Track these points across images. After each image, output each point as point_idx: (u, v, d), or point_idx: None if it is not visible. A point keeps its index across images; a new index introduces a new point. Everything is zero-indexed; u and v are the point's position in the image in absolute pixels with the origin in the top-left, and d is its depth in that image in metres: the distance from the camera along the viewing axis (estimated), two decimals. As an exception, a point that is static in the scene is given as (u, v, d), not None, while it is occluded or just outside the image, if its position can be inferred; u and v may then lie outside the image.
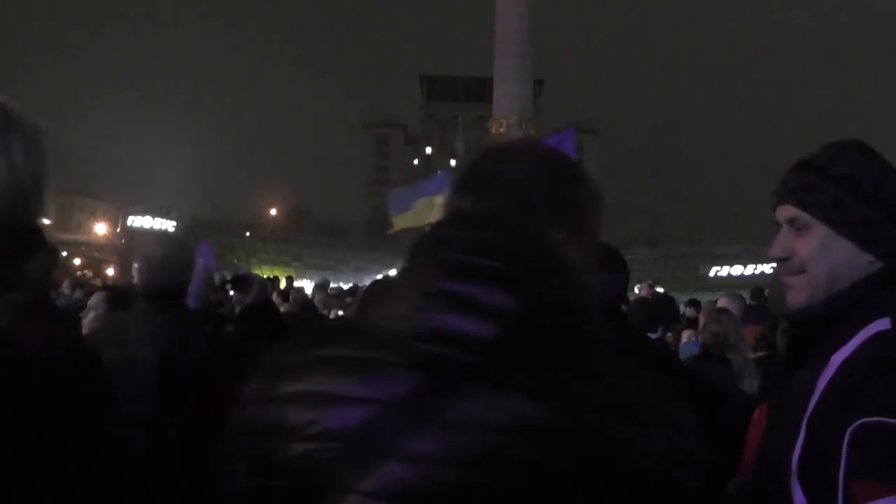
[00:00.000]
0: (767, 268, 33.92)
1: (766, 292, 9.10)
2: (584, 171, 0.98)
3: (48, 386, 1.25)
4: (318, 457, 0.77)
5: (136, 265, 2.52)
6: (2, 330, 1.20)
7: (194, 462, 1.10)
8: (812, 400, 1.04)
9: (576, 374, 0.79)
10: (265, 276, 10.50)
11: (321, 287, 8.77)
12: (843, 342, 1.08)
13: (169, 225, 42.92)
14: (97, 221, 63.70)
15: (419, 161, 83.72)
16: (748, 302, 6.99)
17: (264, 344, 0.96)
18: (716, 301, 6.55)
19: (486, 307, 0.77)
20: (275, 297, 6.81)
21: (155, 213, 43.66)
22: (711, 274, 40.37)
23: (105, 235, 58.24)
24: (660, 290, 15.71)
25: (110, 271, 40.79)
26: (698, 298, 11.36)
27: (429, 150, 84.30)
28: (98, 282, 16.87)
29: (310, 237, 48.73)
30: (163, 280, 2.47)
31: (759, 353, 4.19)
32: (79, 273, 29.45)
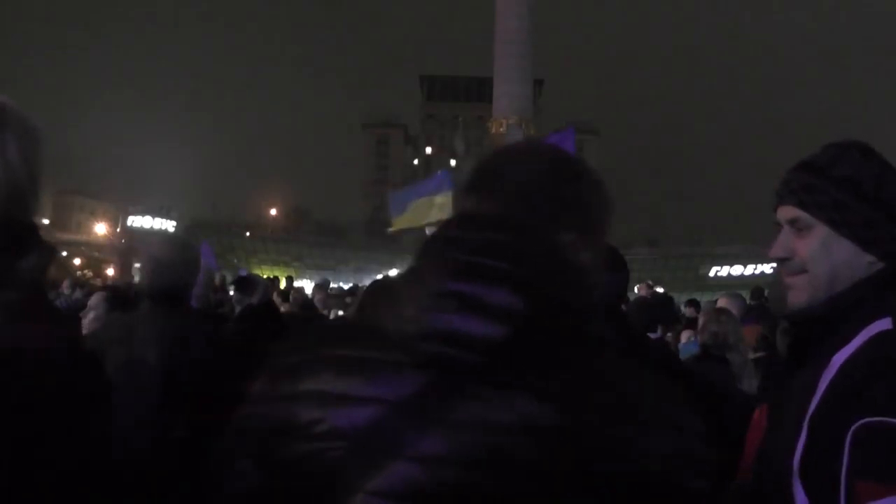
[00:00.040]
0: (767, 268, 33.93)
1: (766, 292, 9.11)
2: (593, 171, 0.98)
3: (41, 385, 1.24)
4: (325, 456, 0.77)
5: (141, 266, 2.53)
6: None
7: (199, 463, 1.10)
8: (813, 400, 1.04)
9: (582, 375, 0.79)
10: (265, 276, 10.51)
11: (321, 287, 8.78)
12: (845, 342, 1.08)
13: (169, 225, 42.94)
14: (97, 221, 63.70)
15: (419, 161, 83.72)
16: (748, 302, 7.00)
17: (267, 344, 0.97)
18: (716, 301, 6.55)
19: (493, 308, 0.77)
20: (275, 297, 6.81)
21: (155, 213, 43.67)
22: (711, 274, 40.38)
23: (105, 235, 58.26)
24: (660, 290, 15.72)
25: (110, 271, 40.81)
26: (698, 298, 11.36)
27: (429, 150, 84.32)
28: (98, 282, 16.88)
29: (310, 237, 48.73)
30: (168, 281, 2.47)
31: (758, 354, 4.18)
32: (79, 273, 29.46)
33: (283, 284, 11.99)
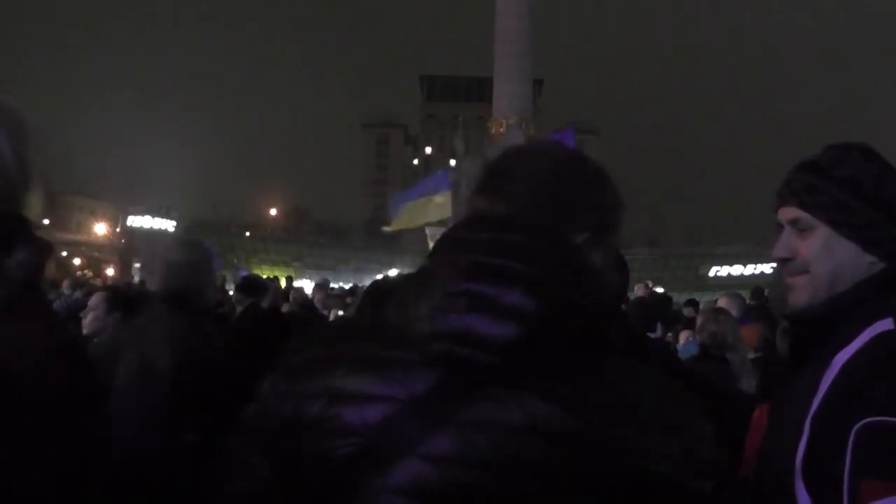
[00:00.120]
0: (767, 268, 33.93)
1: (766, 292, 9.11)
2: (605, 172, 0.98)
3: (31, 385, 1.24)
4: (336, 452, 0.77)
5: (148, 267, 2.53)
6: None
7: (210, 465, 1.11)
8: (815, 400, 1.04)
9: (592, 377, 0.79)
10: (265, 276, 10.50)
11: (321, 287, 8.77)
12: (846, 342, 1.08)
13: (169, 225, 42.86)
14: (97, 221, 63.63)
15: (419, 161, 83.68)
16: (748, 302, 7.00)
17: (275, 346, 0.97)
18: (716, 301, 6.55)
19: (505, 308, 0.77)
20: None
21: (155, 213, 43.58)
22: (711, 274, 40.34)
23: (105, 235, 58.22)
24: (659, 290, 15.72)
25: (110, 271, 40.80)
26: (698, 298, 11.37)
27: (429, 150, 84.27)
28: (98, 282, 16.89)
29: (310, 237, 48.66)
30: (182, 283, 2.46)
31: (757, 354, 4.18)
32: (79, 273, 29.46)
33: (283, 284, 11.99)
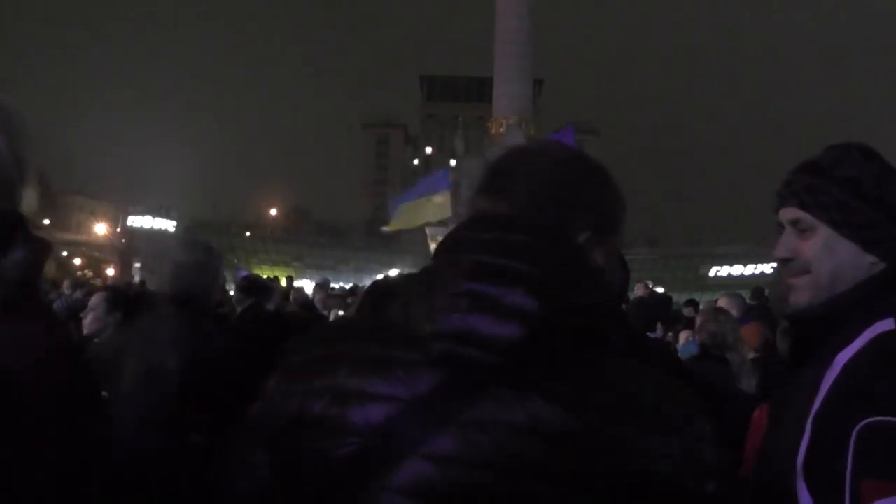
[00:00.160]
0: (767, 268, 33.94)
1: (767, 292, 9.11)
2: (607, 170, 0.98)
3: (23, 385, 1.23)
4: (339, 451, 0.78)
5: (155, 268, 2.53)
6: None
7: (216, 465, 1.11)
8: (816, 400, 1.04)
9: (593, 377, 0.79)
10: (265, 276, 10.50)
11: (321, 287, 8.77)
12: (847, 343, 1.08)
13: (169, 225, 42.88)
14: (97, 221, 63.64)
15: (419, 161, 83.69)
16: (748, 302, 7.00)
17: (277, 346, 0.97)
18: (716, 301, 6.55)
19: (508, 308, 0.77)
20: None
21: (155, 213, 43.61)
22: (711, 274, 40.34)
23: (105, 235, 58.25)
24: (660, 290, 15.71)
25: (110, 271, 40.79)
26: (698, 298, 11.37)
27: (429, 150, 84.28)
28: (98, 282, 16.89)
29: (310, 237, 48.67)
30: (189, 285, 2.46)
31: (756, 354, 4.18)
32: (79, 273, 29.46)
33: (283, 284, 11.99)
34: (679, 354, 4.95)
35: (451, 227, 0.94)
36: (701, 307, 7.60)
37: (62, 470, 1.36)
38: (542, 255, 0.81)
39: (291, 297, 8.56)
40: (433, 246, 0.92)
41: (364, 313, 1.06)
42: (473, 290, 0.79)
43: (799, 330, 1.24)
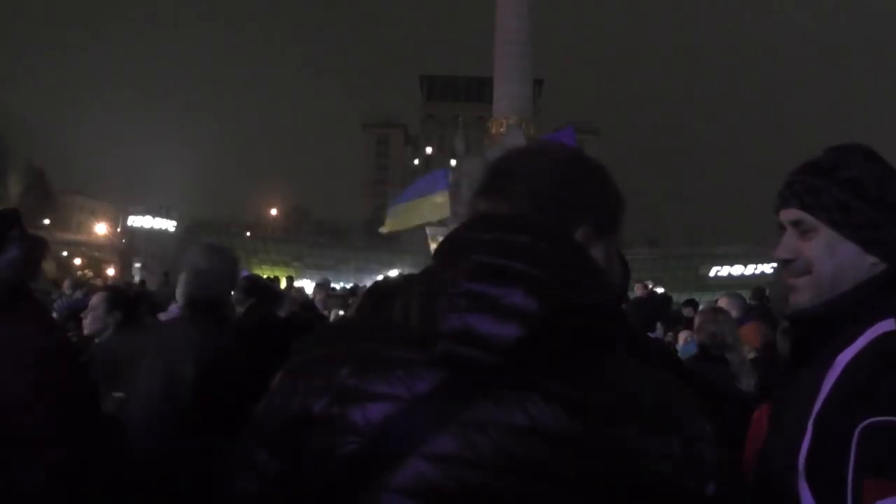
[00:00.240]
0: (767, 268, 33.95)
1: (768, 292, 9.11)
2: (607, 171, 0.98)
3: (23, 385, 1.23)
4: (339, 450, 0.78)
5: (154, 268, 2.53)
6: None
7: (221, 465, 1.11)
8: (818, 400, 1.04)
9: (594, 377, 0.79)
10: (265, 276, 10.50)
11: (321, 287, 8.77)
12: (848, 343, 1.08)
13: (169, 225, 42.87)
14: (97, 221, 63.58)
15: (419, 161, 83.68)
16: (749, 302, 7.00)
17: (278, 347, 0.97)
18: (716, 301, 6.55)
19: (508, 308, 0.77)
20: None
21: (155, 213, 43.56)
22: (711, 274, 40.33)
23: (105, 235, 58.22)
24: (659, 290, 15.71)
25: (110, 271, 40.80)
26: (698, 298, 11.37)
27: (429, 150, 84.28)
28: (98, 282, 16.89)
29: (310, 237, 48.66)
30: (207, 291, 2.46)
31: (756, 354, 4.18)
32: (79, 273, 29.47)
33: (283, 284, 11.99)
34: (679, 354, 4.95)
35: (451, 227, 0.95)
36: (701, 307, 7.60)
37: (62, 470, 1.36)
38: (542, 256, 0.81)
39: (291, 298, 8.54)
40: (433, 246, 0.92)
41: (364, 313, 1.06)
42: (473, 291, 0.79)
43: (799, 330, 1.24)
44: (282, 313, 4.98)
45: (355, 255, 41.29)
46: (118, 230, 55.50)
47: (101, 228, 60.50)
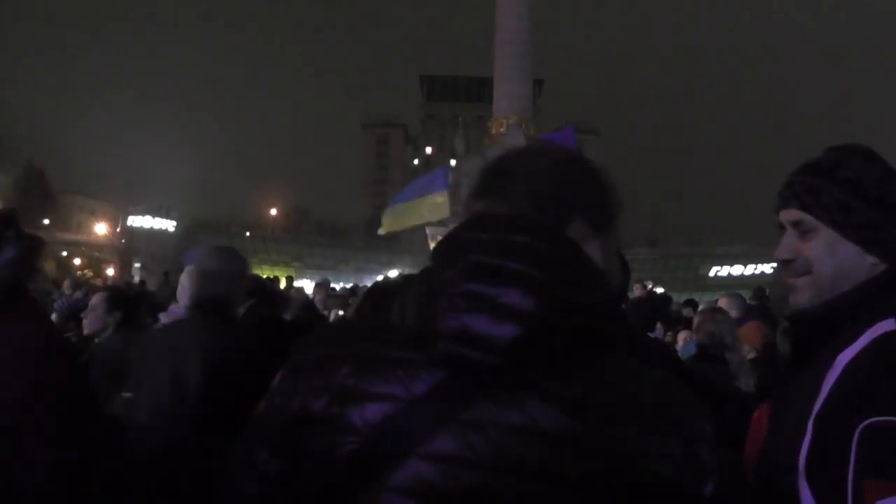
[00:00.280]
0: (767, 268, 33.95)
1: (768, 292, 9.11)
2: (602, 170, 0.98)
3: (24, 384, 1.23)
4: (339, 451, 0.78)
5: (154, 268, 2.52)
6: None
7: (222, 465, 1.12)
8: (818, 400, 1.04)
9: (593, 377, 0.79)
10: (265, 277, 10.50)
11: (321, 287, 8.77)
12: (848, 343, 1.08)
13: (169, 225, 42.89)
14: (97, 221, 63.60)
15: (419, 161, 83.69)
16: (749, 301, 7.00)
17: (278, 347, 0.97)
18: (716, 301, 6.55)
19: (507, 308, 0.77)
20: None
21: (155, 213, 43.59)
22: (711, 274, 40.33)
23: (105, 235, 58.25)
24: (659, 290, 15.70)
25: (110, 271, 40.81)
26: (698, 298, 11.37)
27: (429, 150, 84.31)
28: (98, 282, 16.89)
29: (310, 237, 48.63)
30: (215, 292, 2.46)
31: (756, 354, 4.18)
32: (79, 273, 29.47)
33: (283, 284, 11.99)
34: (678, 355, 4.95)
35: (451, 226, 0.95)
36: (700, 307, 7.60)
37: (62, 470, 1.36)
38: (540, 256, 0.81)
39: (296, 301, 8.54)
40: (433, 246, 0.92)
41: (364, 313, 1.06)
42: (471, 291, 0.79)
43: (799, 330, 1.25)
44: (287, 316, 4.97)
45: (355, 255, 41.28)
46: (118, 230, 55.53)
47: (101, 228, 60.53)
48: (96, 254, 51.82)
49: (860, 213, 1.15)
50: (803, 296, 1.20)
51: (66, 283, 9.79)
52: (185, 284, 3.04)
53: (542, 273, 0.80)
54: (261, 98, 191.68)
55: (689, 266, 40.55)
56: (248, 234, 44.24)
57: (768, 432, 1.21)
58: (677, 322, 8.21)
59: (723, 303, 5.25)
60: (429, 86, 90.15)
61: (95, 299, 3.76)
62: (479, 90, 72.06)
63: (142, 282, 16.96)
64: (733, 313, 4.41)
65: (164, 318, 3.03)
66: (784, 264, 1.23)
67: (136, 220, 44.14)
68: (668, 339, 7.15)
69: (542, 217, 0.88)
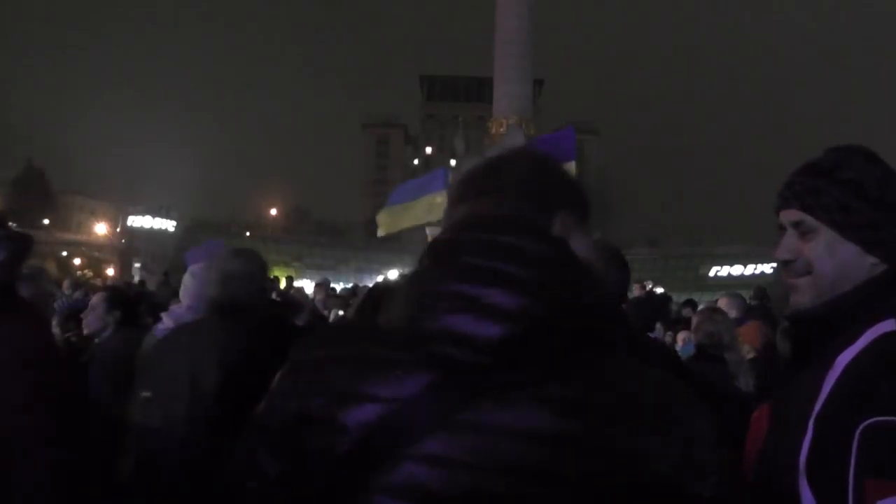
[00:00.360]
0: (767, 268, 33.96)
1: (768, 292, 9.11)
2: (569, 171, 1.01)
3: (23, 384, 1.23)
4: (336, 451, 0.79)
5: (155, 268, 2.51)
6: None
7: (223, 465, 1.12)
8: (818, 400, 1.05)
9: (593, 377, 0.79)
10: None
11: (321, 286, 8.77)
12: (848, 343, 1.09)
13: (169, 225, 42.89)
14: (97, 221, 63.58)
15: (419, 161, 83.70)
16: (749, 301, 7.00)
17: (278, 347, 0.98)
18: (716, 301, 6.55)
19: (499, 309, 0.78)
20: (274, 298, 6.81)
21: (155, 213, 43.58)
22: (711, 274, 40.34)
23: (105, 235, 58.23)
24: (659, 290, 15.70)
25: (110, 271, 40.81)
26: (698, 298, 11.36)
27: (429, 150, 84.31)
28: (98, 282, 16.89)
29: (310, 237, 48.65)
30: (235, 293, 2.45)
31: (755, 354, 4.18)
32: (79, 273, 29.47)
33: (283, 284, 11.99)
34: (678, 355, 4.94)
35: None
36: (700, 307, 7.59)
37: (62, 470, 1.36)
38: (526, 256, 0.82)
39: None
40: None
41: (364, 314, 1.06)
42: (456, 291, 0.79)
43: (800, 330, 1.25)
44: (299, 321, 4.94)
45: (355, 255, 41.28)
46: (118, 230, 55.50)
47: (100, 228, 60.52)
48: (96, 254, 51.80)
49: (860, 214, 1.15)
50: (804, 296, 1.20)
51: (66, 283, 9.77)
52: (187, 284, 3.03)
53: (534, 273, 0.80)
54: (261, 98, 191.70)
55: (689, 266, 40.55)
56: (248, 234, 44.24)
57: (768, 432, 1.21)
58: (677, 322, 8.20)
59: (723, 303, 5.25)
60: (429, 86, 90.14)
61: (95, 299, 3.76)
62: (479, 90, 72.04)
63: (142, 282, 16.96)
64: (733, 313, 4.41)
65: (165, 317, 3.03)
66: (784, 265, 1.23)
67: (135, 220, 44.13)
68: (667, 339, 7.14)
69: (528, 210, 0.88)
